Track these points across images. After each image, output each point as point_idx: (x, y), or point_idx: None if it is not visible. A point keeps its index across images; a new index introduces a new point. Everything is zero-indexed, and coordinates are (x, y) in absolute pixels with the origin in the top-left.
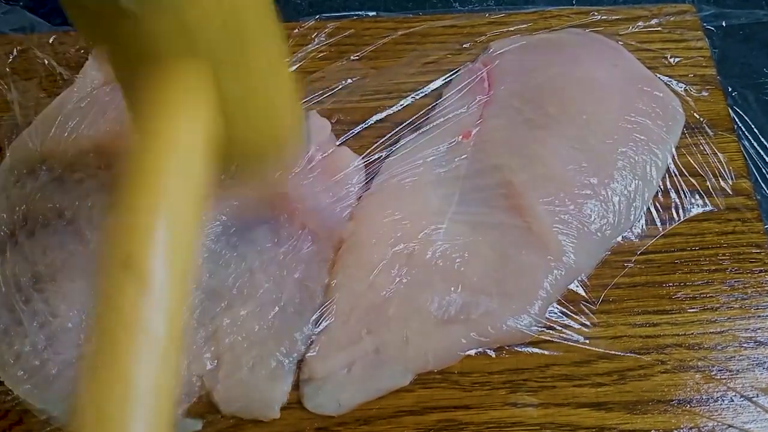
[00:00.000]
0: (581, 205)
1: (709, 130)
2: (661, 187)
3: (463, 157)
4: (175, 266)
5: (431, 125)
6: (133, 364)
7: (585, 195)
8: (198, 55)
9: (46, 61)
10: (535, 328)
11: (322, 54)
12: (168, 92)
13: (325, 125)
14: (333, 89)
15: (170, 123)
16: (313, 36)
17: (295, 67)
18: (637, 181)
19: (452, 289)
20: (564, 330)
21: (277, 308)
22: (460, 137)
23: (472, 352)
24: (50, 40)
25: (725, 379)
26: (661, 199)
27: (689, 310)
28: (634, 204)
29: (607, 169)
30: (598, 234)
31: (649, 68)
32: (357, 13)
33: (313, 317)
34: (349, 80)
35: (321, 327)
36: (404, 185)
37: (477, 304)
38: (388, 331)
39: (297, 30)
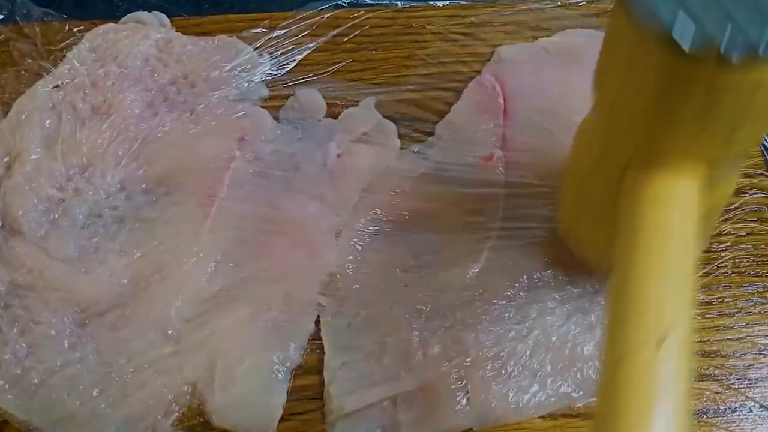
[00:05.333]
0: None
1: None
2: None
3: (494, 189)
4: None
5: (441, 139)
6: None
7: None
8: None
9: (27, 52)
10: None
11: (318, 46)
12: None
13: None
14: (329, 82)
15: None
16: (309, 27)
17: (291, 61)
18: None
19: None
20: None
21: (271, 315)
22: (481, 160)
23: None
24: (29, 30)
25: (743, 388)
26: None
27: (705, 316)
28: None
29: None
30: None
31: None
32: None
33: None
34: (346, 73)
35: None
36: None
37: None
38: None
39: (291, 21)
